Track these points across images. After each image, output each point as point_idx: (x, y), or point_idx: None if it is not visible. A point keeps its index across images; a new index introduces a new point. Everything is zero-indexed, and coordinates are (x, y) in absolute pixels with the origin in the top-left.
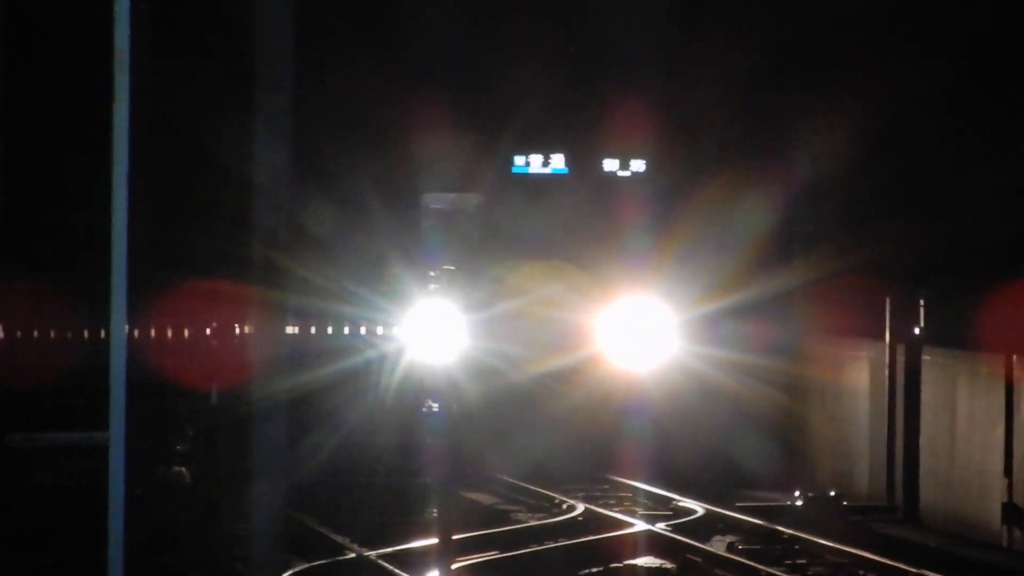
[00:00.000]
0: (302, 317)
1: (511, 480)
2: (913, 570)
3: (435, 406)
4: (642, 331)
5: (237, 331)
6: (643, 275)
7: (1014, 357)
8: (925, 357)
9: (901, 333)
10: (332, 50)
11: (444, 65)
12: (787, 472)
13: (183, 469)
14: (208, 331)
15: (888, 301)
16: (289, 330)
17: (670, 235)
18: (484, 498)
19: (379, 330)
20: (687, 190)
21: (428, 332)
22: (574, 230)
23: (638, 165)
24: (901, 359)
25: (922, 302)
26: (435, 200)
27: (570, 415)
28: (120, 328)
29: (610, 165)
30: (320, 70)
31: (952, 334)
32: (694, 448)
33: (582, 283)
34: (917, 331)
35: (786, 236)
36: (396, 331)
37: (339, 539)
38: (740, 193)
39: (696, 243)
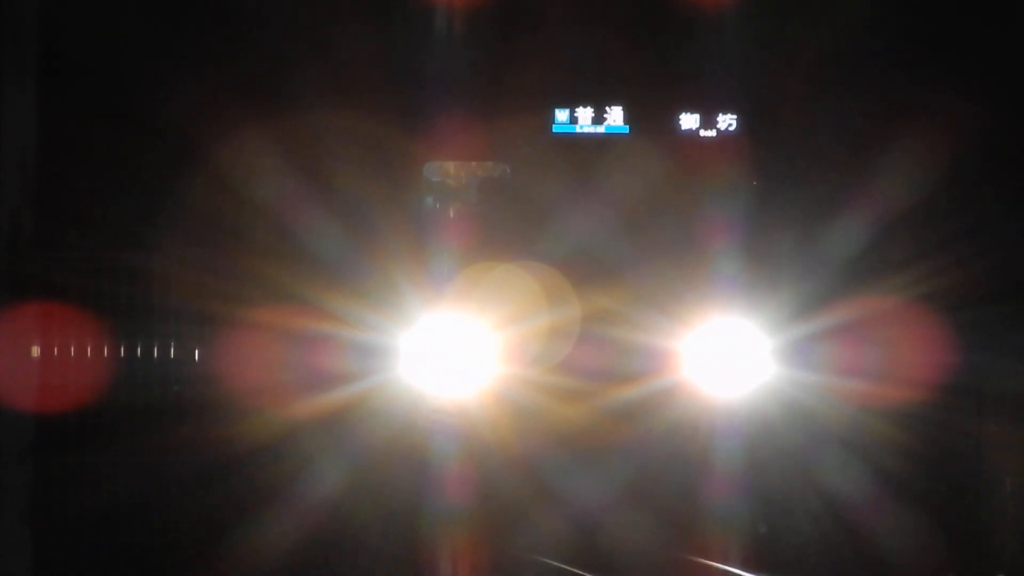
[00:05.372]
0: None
1: (550, 562)
2: None
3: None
4: (732, 355)
5: None
6: (738, 281)
7: None
8: None
9: None
10: None
11: None
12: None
13: None
14: None
15: None
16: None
17: (779, 219)
18: None
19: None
20: (801, 155)
21: (436, 355)
22: (637, 213)
23: (728, 121)
24: None
25: None
26: (440, 171)
27: (638, 466)
28: None
29: (689, 122)
30: None
31: None
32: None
33: (647, 290)
34: None
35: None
36: (393, 353)
37: None
38: (876, 161)
39: (814, 230)
